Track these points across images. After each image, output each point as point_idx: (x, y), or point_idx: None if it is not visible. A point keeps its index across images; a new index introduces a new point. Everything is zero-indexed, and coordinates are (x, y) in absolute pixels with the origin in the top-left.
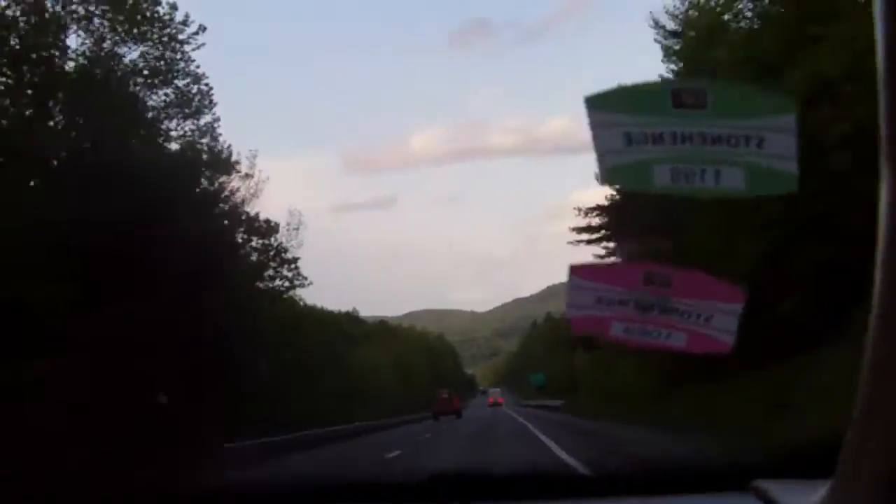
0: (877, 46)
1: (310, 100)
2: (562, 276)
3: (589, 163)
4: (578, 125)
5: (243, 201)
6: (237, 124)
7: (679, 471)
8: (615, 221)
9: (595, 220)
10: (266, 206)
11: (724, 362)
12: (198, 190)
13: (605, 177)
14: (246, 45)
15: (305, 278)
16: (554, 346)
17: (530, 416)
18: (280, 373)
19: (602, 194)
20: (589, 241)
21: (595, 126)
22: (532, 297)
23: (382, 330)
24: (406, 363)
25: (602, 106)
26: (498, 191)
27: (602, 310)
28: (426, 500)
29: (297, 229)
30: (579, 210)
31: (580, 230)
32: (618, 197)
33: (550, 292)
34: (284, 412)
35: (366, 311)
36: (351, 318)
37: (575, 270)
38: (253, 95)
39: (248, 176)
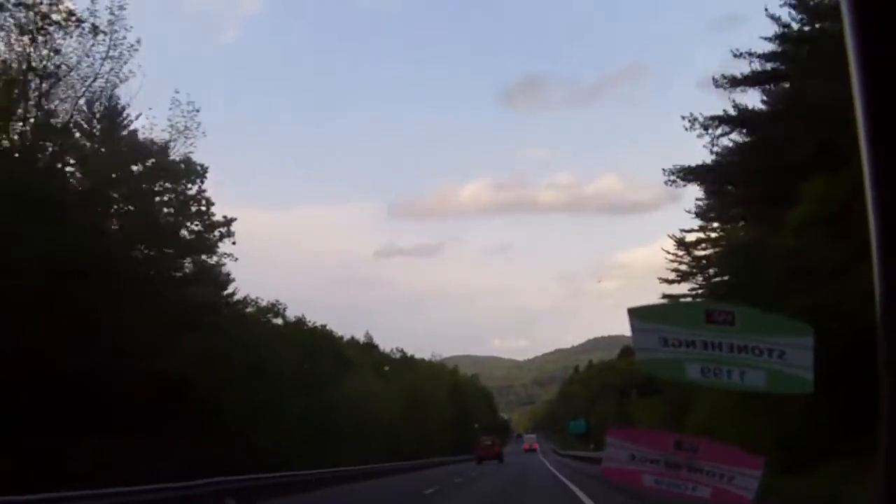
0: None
1: (359, 147)
2: (604, 331)
3: (632, 224)
4: (625, 186)
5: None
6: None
7: None
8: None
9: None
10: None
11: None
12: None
13: (643, 367)
14: (303, 91)
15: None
16: (600, 391)
17: (572, 472)
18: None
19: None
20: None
21: (635, 330)
22: (574, 348)
23: (400, 362)
24: (422, 399)
25: (642, 316)
26: (543, 245)
27: (635, 465)
28: None
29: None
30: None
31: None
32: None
33: (592, 344)
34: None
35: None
36: (357, 346)
37: (612, 433)
38: (305, 141)
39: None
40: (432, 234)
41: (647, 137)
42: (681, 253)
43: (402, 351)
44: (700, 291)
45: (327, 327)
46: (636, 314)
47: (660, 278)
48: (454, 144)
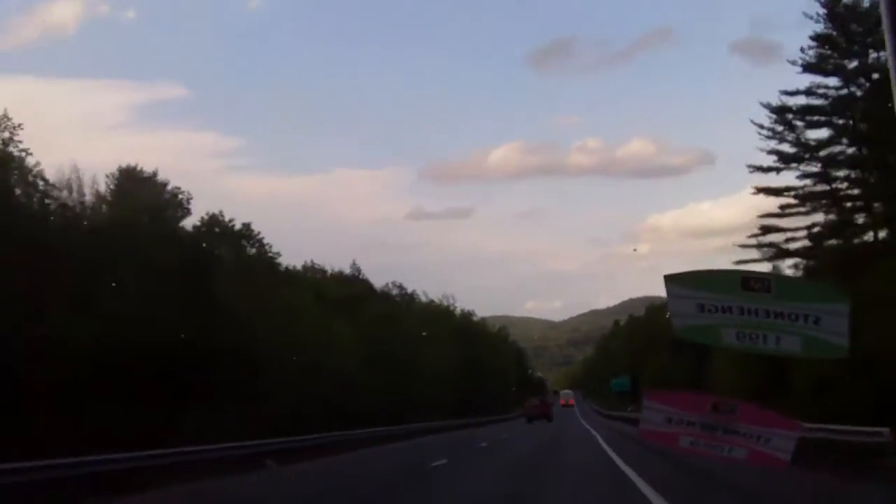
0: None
1: (389, 111)
2: (638, 292)
3: (664, 187)
4: (657, 150)
5: None
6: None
7: None
8: None
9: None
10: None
11: None
12: None
13: (678, 332)
14: (336, 56)
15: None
16: (644, 346)
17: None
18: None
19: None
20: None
21: (671, 296)
22: (608, 309)
23: (421, 308)
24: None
25: (678, 281)
26: (575, 208)
27: (671, 427)
28: None
29: None
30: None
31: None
32: None
33: (627, 306)
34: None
35: None
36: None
37: (649, 395)
38: (337, 102)
39: None
40: (462, 198)
41: (678, 100)
42: (780, 128)
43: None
44: (811, 182)
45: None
46: (672, 281)
47: (750, 166)
48: (484, 107)
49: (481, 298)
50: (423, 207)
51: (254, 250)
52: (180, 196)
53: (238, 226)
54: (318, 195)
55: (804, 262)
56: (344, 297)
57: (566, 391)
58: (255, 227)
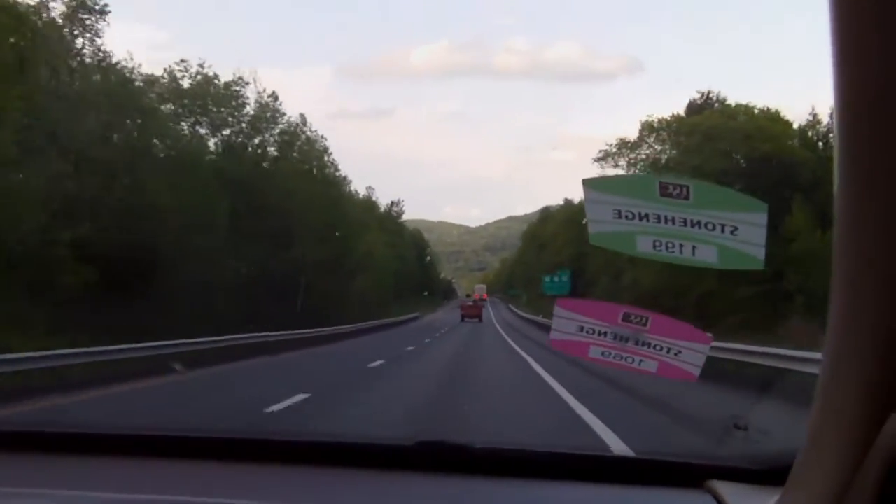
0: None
1: (305, 7)
2: (558, 199)
3: (592, 95)
4: (585, 54)
5: None
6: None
7: (637, 462)
8: None
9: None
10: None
11: None
12: None
13: (593, 239)
14: None
15: None
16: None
17: None
18: None
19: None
20: None
21: (589, 201)
22: (526, 216)
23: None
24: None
25: (597, 187)
26: (498, 111)
27: (583, 336)
28: (411, 465)
29: None
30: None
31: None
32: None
33: (546, 213)
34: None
35: None
36: None
37: (561, 303)
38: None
39: None
40: (384, 99)
41: (610, 2)
42: None
43: None
44: None
45: None
46: (591, 184)
47: None
48: (404, 4)
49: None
50: (345, 107)
51: None
52: None
53: None
54: None
55: None
56: None
57: (480, 286)
58: None
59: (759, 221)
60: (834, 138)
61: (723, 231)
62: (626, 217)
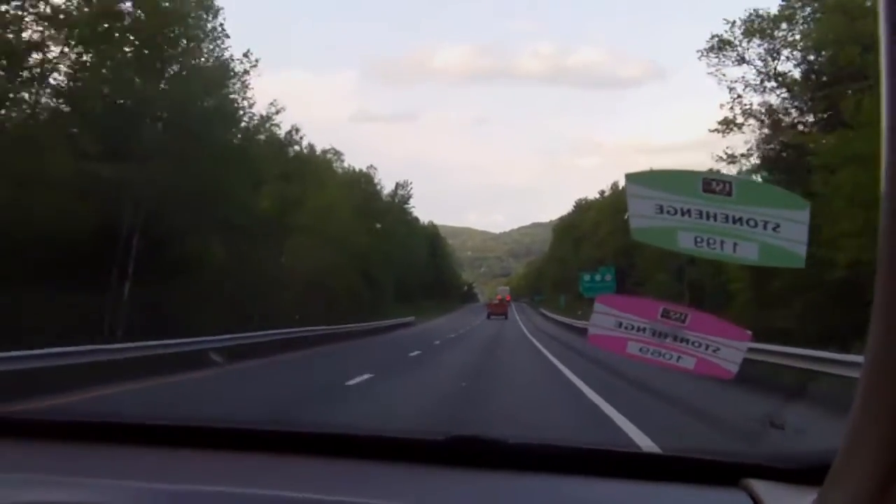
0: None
1: (331, 10)
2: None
3: (618, 100)
4: (611, 59)
5: None
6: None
7: (672, 459)
8: None
9: None
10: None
11: None
12: None
13: (635, 234)
14: None
15: None
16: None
17: None
18: None
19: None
20: None
21: (631, 196)
22: (551, 222)
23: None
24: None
25: (639, 181)
26: (522, 117)
27: (621, 332)
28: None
29: None
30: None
31: None
32: None
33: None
34: None
35: None
36: None
37: (601, 300)
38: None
39: None
40: (408, 103)
41: (634, 8)
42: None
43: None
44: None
45: None
46: (633, 180)
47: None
48: (428, 9)
49: (421, 207)
50: (367, 110)
51: None
52: None
53: None
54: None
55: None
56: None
57: (503, 288)
58: None
59: (801, 219)
60: (883, 139)
61: (765, 228)
62: (668, 212)
